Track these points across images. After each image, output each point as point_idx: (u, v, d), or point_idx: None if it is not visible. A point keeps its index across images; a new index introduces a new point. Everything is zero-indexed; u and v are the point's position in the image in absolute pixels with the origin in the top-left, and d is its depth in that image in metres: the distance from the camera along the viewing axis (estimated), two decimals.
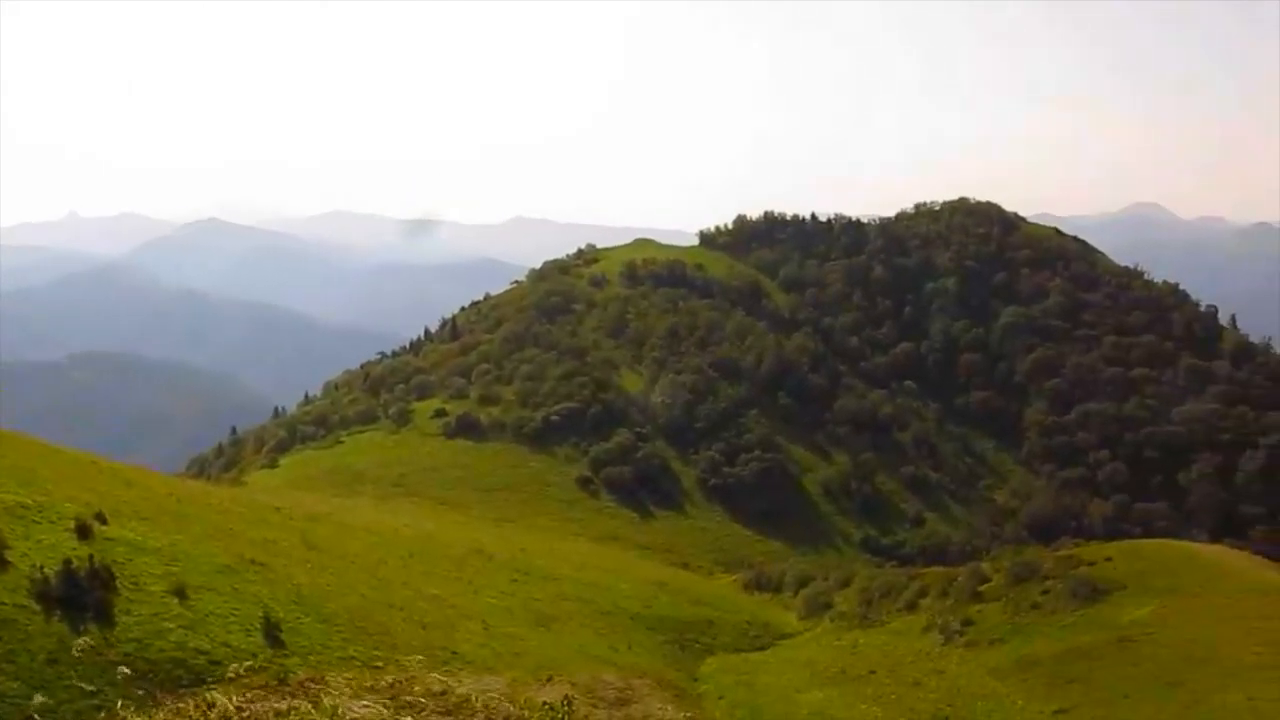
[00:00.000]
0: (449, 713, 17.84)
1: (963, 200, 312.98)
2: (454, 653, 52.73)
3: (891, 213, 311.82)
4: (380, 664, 41.83)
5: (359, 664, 43.07)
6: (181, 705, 17.01)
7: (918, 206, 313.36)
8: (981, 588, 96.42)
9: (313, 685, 18.68)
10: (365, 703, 17.17)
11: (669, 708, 52.85)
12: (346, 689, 19.30)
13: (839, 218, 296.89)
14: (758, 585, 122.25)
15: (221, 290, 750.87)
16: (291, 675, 21.16)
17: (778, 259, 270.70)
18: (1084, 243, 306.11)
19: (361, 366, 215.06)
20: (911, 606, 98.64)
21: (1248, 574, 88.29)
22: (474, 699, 18.18)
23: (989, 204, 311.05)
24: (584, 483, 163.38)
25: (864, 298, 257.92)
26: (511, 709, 17.81)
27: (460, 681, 19.39)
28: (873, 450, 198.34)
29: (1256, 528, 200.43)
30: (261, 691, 18.30)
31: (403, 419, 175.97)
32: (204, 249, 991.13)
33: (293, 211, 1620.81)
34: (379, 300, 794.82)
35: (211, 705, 16.51)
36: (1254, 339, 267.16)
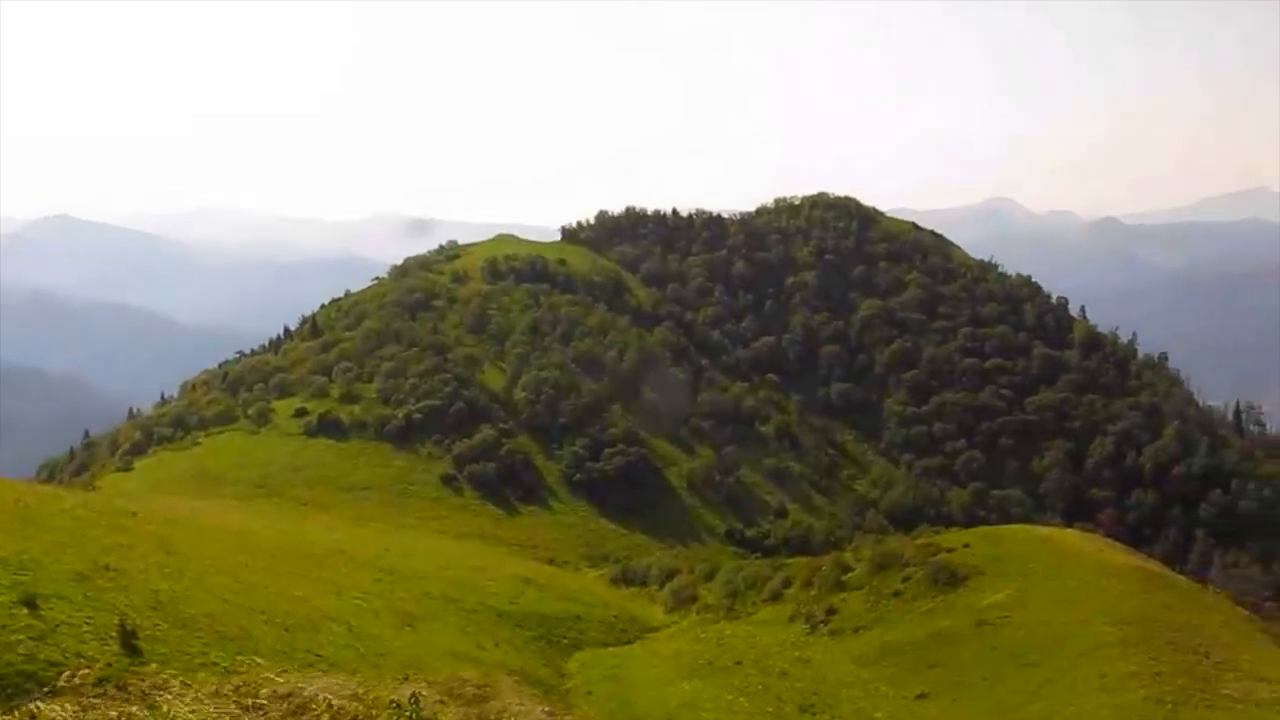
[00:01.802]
0: (295, 713, 17.27)
1: (822, 195, 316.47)
2: (317, 655, 51.66)
3: (752, 207, 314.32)
4: (243, 669, 40.78)
5: (220, 669, 41.90)
6: (7, 718, 16.14)
7: (777, 201, 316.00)
8: (844, 577, 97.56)
9: (153, 691, 17.89)
10: (207, 706, 16.52)
11: (528, 703, 52.39)
12: (189, 693, 18.53)
13: (700, 213, 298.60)
14: (624, 579, 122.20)
15: (72, 290, 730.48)
16: (133, 682, 20.33)
17: (639, 254, 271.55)
18: (940, 236, 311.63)
19: (220, 366, 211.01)
20: (776, 597, 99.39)
21: (1098, 556, 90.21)
22: (320, 699, 17.62)
23: (847, 198, 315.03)
24: (448, 480, 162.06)
25: (725, 292, 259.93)
26: (359, 708, 17.30)
27: (311, 682, 18.78)
28: (736, 443, 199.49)
29: (1106, 511, 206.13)
30: (99, 700, 17.46)
31: (263, 419, 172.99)
32: (54, 247, 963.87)
33: (147, 208, 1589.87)
34: (238, 299, 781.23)
35: (33, 717, 15.65)
36: (1102, 329, 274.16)
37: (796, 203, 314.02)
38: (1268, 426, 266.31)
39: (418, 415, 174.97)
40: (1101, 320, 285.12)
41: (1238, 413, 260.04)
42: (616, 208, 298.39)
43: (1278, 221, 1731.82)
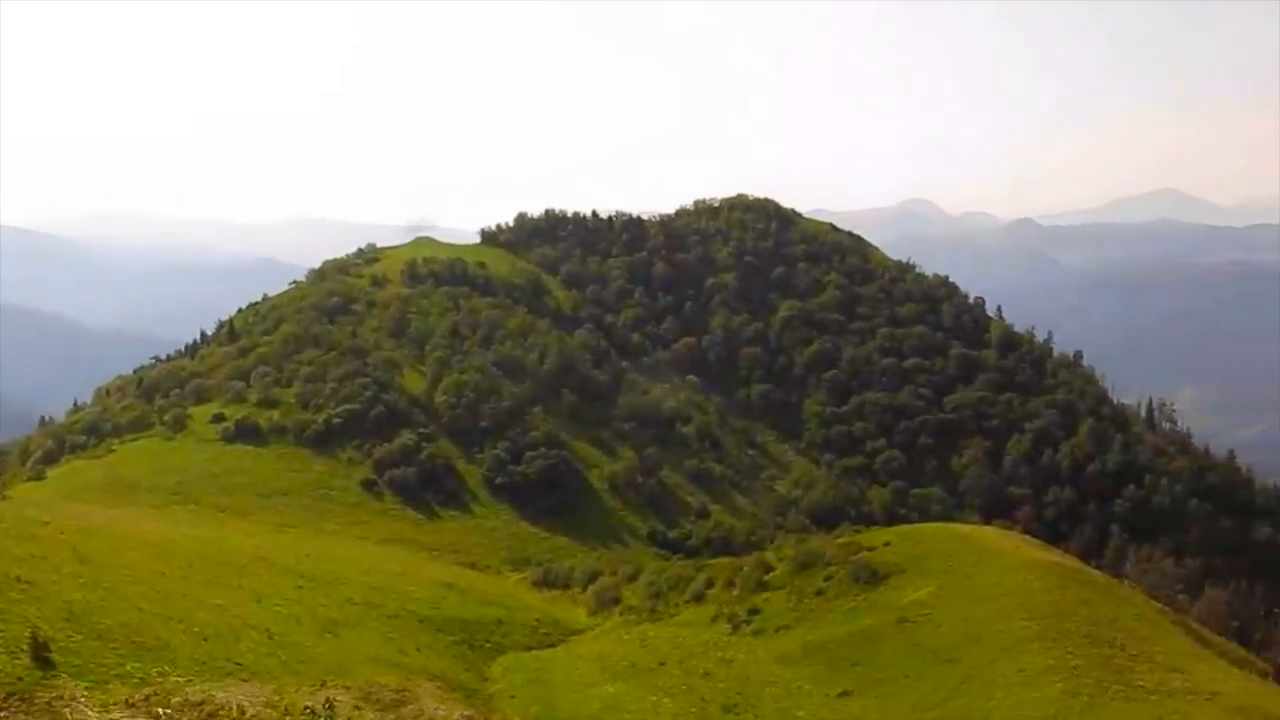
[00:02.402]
0: None
1: (741, 197, 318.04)
2: (237, 664, 50.95)
3: (672, 209, 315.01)
4: (158, 679, 40.12)
5: (136, 681, 41.21)
6: None
7: (697, 203, 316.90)
8: (767, 577, 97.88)
9: (59, 703, 17.53)
10: (117, 716, 16.26)
11: (447, 707, 51.99)
12: (98, 704, 18.21)
13: (619, 215, 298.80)
14: (546, 582, 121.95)
15: None
16: (40, 694, 19.86)
17: (559, 256, 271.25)
18: (859, 237, 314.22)
19: (135, 372, 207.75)
20: (699, 598, 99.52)
21: (1016, 553, 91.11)
22: (232, 705, 17.40)
23: (766, 200, 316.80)
24: (368, 485, 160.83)
25: (645, 294, 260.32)
26: (273, 714, 17.11)
27: (226, 690, 18.54)
28: (657, 444, 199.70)
29: (1023, 508, 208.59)
30: (2, 714, 17.09)
31: (179, 425, 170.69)
32: None
33: (52, 211, 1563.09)
34: (152, 303, 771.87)
35: None
36: (1019, 329, 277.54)
37: (716, 204, 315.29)
38: (1179, 423, 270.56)
39: (337, 420, 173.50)
40: (1018, 320, 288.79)
41: (1150, 410, 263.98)
42: (536, 209, 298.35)
43: (1187, 222, 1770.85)
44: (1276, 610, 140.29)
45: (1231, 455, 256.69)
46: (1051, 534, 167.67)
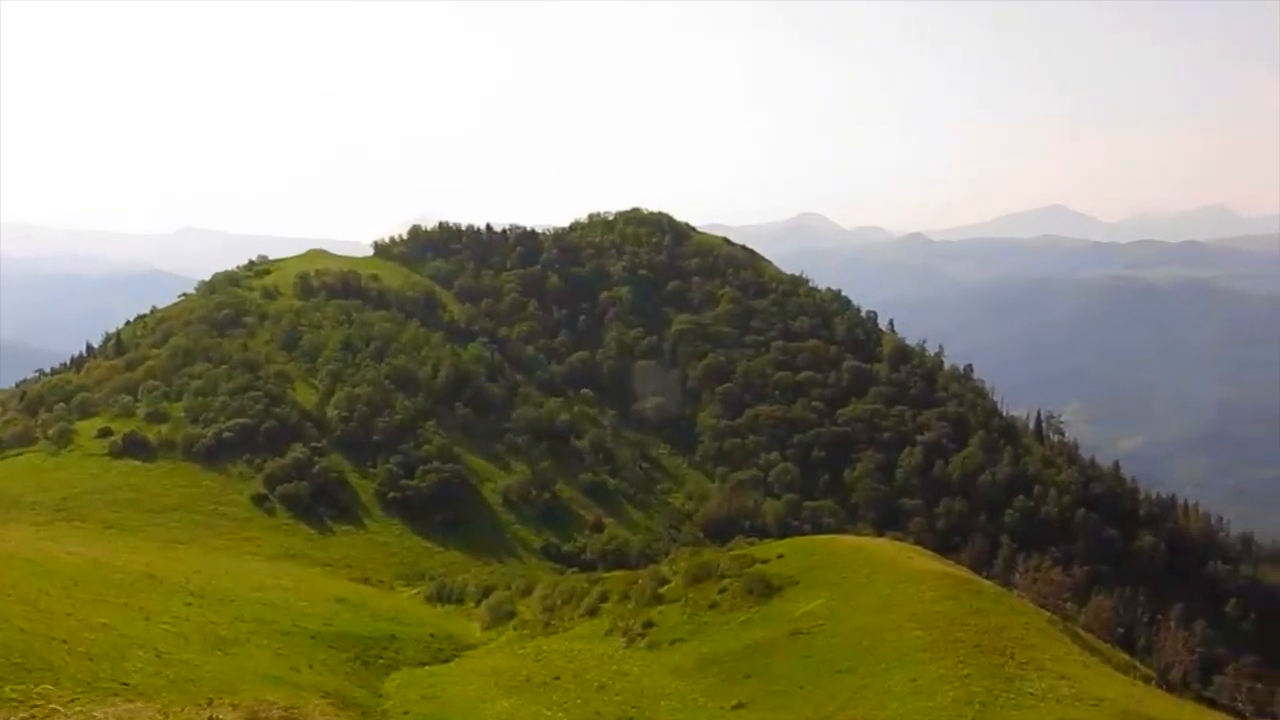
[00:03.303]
0: None
1: (636, 210, 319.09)
2: (123, 683, 49.99)
3: (565, 222, 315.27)
4: (39, 701, 39.17)
5: (14, 703, 40.23)
6: None
7: (591, 216, 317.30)
8: (661, 590, 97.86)
9: None
10: None
11: None
12: None
13: (514, 228, 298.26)
14: (440, 597, 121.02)
15: None
16: None
17: (453, 269, 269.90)
18: (752, 251, 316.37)
19: (17, 385, 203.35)
20: (593, 611, 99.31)
21: (908, 564, 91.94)
22: None
23: (660, 214, 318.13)
24: (259, 500, 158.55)
25: (539, 307, 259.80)
26: None
27: (110, 710, 18.15)
28: (551, 458, 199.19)
29: (915, 519, 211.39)
30: None
31: (64, 440, 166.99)
32: None
33: None
34: (35, 315, 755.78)
35: None
36: (910, 342, 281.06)
37: (610, 218, 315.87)
38: (1066, 434, 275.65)
39: (228, 434, 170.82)
40: (909, 333, 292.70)
41: (1039, 422, 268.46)
42: (430, 221, 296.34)
43: (1073, 237, 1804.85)
44: (1160, 616, 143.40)
45: (1116, 466, 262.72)
46: (943, 545, 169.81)
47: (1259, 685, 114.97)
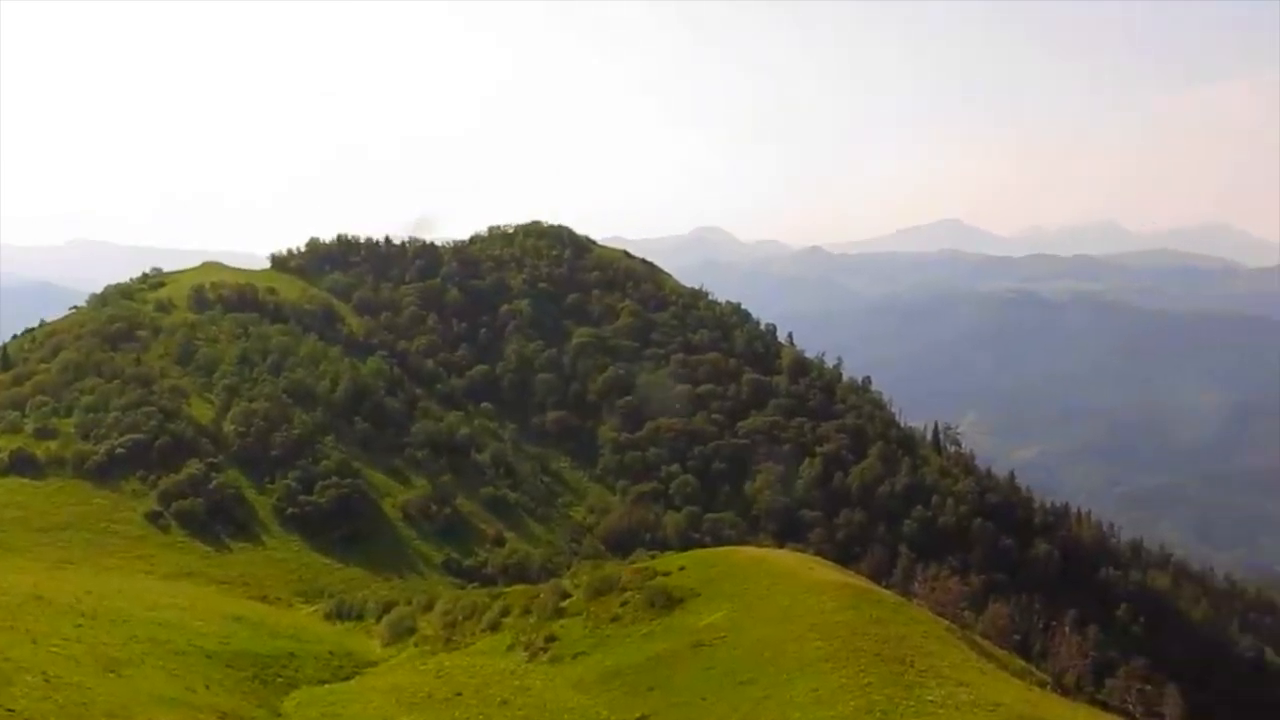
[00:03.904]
0: None
1: (536, 223, 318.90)
2: (9, 709, 48.91)
3: (467, 235, 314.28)
4: None
5: None
6: None
7: (491, 229, 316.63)
8: (563, 604, 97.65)
9: None
10: None
11: None
12: None
13: (413, 240, 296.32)
14: (340, 614, 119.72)
15: None
16: None
17: (352, 282, 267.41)
18: (652, 265, 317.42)
19: None
20: (495, 626, 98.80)
21: (809, 574, 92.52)
22: None
23: (561, 227, 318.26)
24: (153, 517, 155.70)
25: (439, 320, 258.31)
26: None
27: None
28: (451, 472, 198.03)
29: (815, 530, 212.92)
30: None
31: None
32: None
33: None
34: None
35: None
36: (809, 354, 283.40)
37: (510, 231, 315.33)
38: (963, 445, 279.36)
39: (120, 450, 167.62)
40: (808, 346, 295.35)
41: (936, 433, 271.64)
42: (328, 233, 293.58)
43: (969, 251, 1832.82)
44: (1054, 622, 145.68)
45: (1012, 476, 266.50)
46: (843, 555, 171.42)
47: (1148, 687, 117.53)
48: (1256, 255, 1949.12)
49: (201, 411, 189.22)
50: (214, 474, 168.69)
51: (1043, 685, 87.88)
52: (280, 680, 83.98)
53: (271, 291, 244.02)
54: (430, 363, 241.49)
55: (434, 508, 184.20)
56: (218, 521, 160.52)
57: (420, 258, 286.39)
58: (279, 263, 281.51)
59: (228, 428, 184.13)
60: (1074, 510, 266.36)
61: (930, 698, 62.36)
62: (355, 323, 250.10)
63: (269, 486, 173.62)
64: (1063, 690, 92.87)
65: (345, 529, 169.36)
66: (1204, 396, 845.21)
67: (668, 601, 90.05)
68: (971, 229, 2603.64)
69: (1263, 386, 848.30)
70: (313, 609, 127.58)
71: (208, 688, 72.48)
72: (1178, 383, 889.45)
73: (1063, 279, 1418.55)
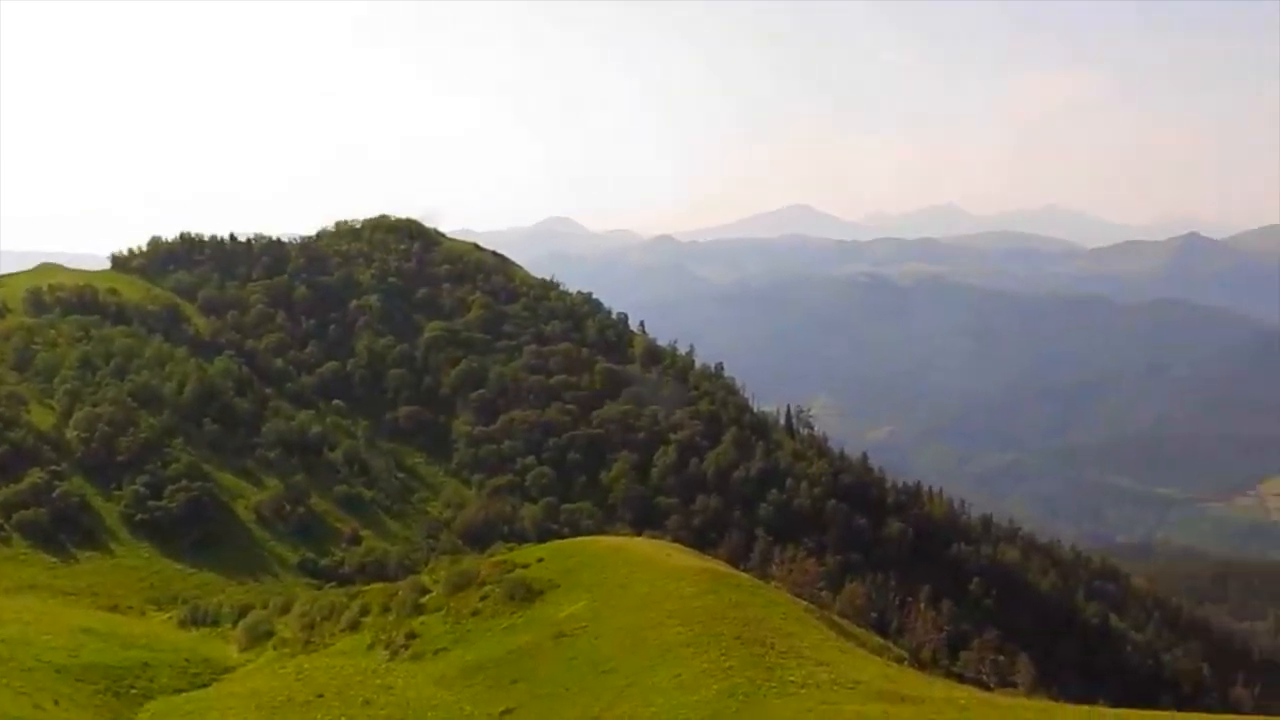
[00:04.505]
0: None
1: (383, 217, 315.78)
2: None
3: (313, 231, 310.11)
4: None
5: None
6: None
7: (338, 225, 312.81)
8: (422, 600, 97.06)
9: None
10: None
11: None
12: None
13: (258, 238, 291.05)
14: (194, 620, 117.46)
15: None
16: None
17: (197, 281, 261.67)
18: (503, 257, 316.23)
19: None
20: (355, 626, 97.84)
21: (667, 561, 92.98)
22: None
23: (409, 221, 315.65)
24: None
25: (287, 318, 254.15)
26: None
27: None
28: (304, 472, 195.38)
29: (672, 517, 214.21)
30: None
31: None
32: None
33: None
34: None
35: None
36: (662, 342, 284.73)
37: (358, 226, 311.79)
38: (816, 428, 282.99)
39: None
40: (661, 334, 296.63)
41: (789, 416, 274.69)
42: (170, 233, 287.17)
43: (816, 236, 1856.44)
44: (909, 599, 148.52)
45: (864, 457, 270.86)
46: (700, 541, 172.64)
47: (1001, 657, 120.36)
48: (1095, 236, 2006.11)
49: (42, 418, 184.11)
50: (57, 482, 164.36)
51: (900, 661, 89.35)
52: (134, 692, 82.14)
53: (113, 292, 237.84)
54: (279, 361, 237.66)
55: (288, 508, 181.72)
56: (63, 531, 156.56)
57: (266, 254, 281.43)
58: (119, 263, 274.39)
59: (70, 434, 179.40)
60: (925, 489, 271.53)
61: (791, 678, 63.01)
62: (201, 322, 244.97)
63: (116, 493, 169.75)
64: (920, 665, 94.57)
65: (197, 533, 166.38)
66: (1047, 375, 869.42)
67: (527, 594, 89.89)
68: (819, 215, 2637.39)
69: (1103, 364, 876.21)
70: (166, 616, 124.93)
71: (57, 704, 70.65)
72: (1022, 362, 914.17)
73: (908, 262, 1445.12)
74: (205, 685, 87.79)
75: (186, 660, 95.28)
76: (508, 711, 70.72)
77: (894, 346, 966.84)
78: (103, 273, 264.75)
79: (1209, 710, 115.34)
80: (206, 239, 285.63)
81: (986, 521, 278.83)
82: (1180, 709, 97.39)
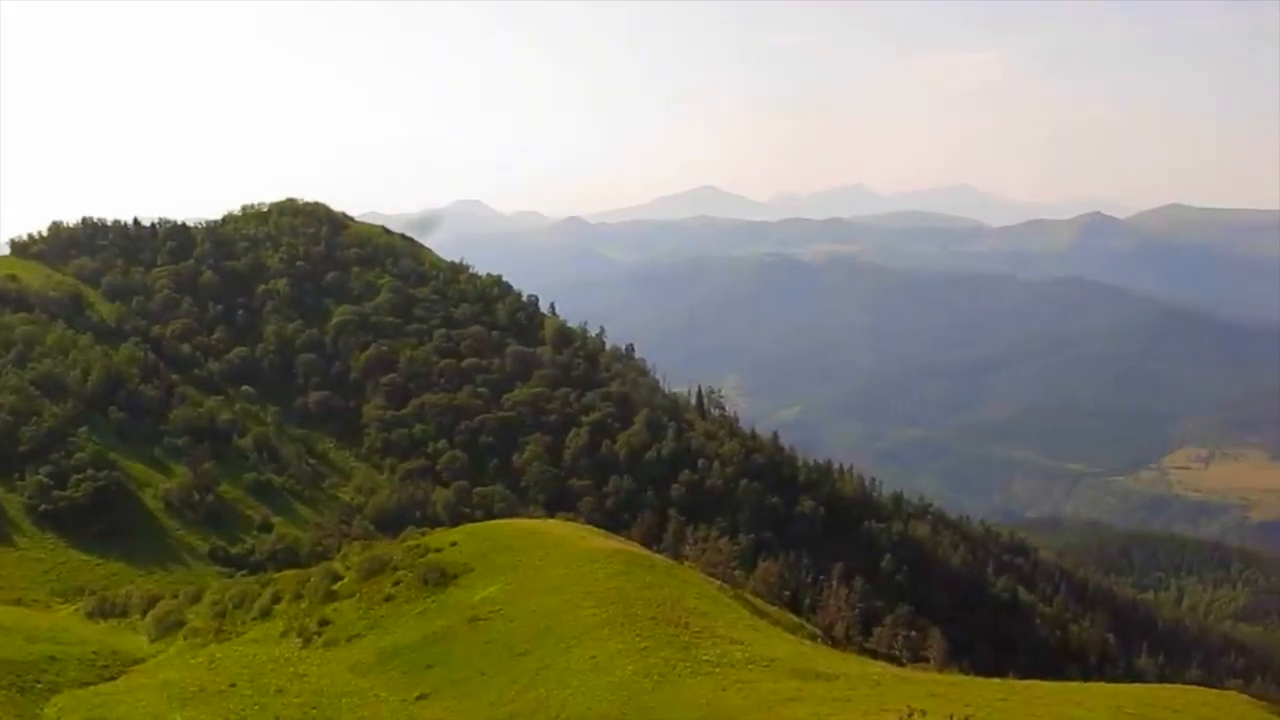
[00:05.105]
0: None
1: (290, 201, 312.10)
2: None
3: (219, 215, 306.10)
4: None
5: None
6: None
7: (245, 208, 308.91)
8: (335, 586, 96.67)
9: None
10: None
11: None
12: None
13: (163, 222, 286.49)
14: (102, 612, 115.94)
15: None
16: None
17: (100, 267, 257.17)
18: (411, 240, 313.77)
19: None
20: (267, 613, 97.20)
21: (581, 543, 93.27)
22: None
23: (317, 204, 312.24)
24: None
25: (194, 303, 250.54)
26: None
27: None
28: (214, 459, 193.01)
29: (585, 499, 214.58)
30: None
31: None
32: None
33: None
34: None
35: None
36: (572, 324, 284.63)
37: (265, 209, 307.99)
38: (727, 408, 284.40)
39: None
40: (571, 316, 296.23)
41: (700, 397, 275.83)
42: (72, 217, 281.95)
43: (725, 217, 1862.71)
44: (822, 576, 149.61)
45: (775, 436, 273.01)
46: (613, 522, 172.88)
47: (913, 633, 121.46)
48: (1002, 215, 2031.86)
49: None
50: None
51: (814, 638, 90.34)
52: (40, 686, 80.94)
53: (12, 279, 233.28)
54: (187, 347, 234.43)
55: (197, 496, 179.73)
56: None
57: (172, 239, 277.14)
58: (18, 248, 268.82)
59: None
60: (836, 467, 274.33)
61: (706, 657, 63.60)
62: (105, 309, 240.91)
63: (19, 483, 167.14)
64: (833, 641, 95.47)
65: (104, 523, 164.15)
66: (955, 352, 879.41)
67: (441, 578, 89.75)
68: (728, 195, 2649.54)
69: (1010, 341, 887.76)
70: (73, 609, 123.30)
71: None
72: (930, 340, 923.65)
73: (816, 242, 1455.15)
74: (114, 678, 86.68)
75: (94, 653, 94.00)
76: (423, 697, 70.70)
77: (803, 326, 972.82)
78: (1, 258, 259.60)
79: (1115, 679, 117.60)
80: (110, 224, 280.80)
81: (897, 498, 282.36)
82: (1087, 679, 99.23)
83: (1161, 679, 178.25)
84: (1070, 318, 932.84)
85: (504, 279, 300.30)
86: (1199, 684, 75.56)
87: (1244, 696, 60.14)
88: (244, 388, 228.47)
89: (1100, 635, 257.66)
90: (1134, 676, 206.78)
